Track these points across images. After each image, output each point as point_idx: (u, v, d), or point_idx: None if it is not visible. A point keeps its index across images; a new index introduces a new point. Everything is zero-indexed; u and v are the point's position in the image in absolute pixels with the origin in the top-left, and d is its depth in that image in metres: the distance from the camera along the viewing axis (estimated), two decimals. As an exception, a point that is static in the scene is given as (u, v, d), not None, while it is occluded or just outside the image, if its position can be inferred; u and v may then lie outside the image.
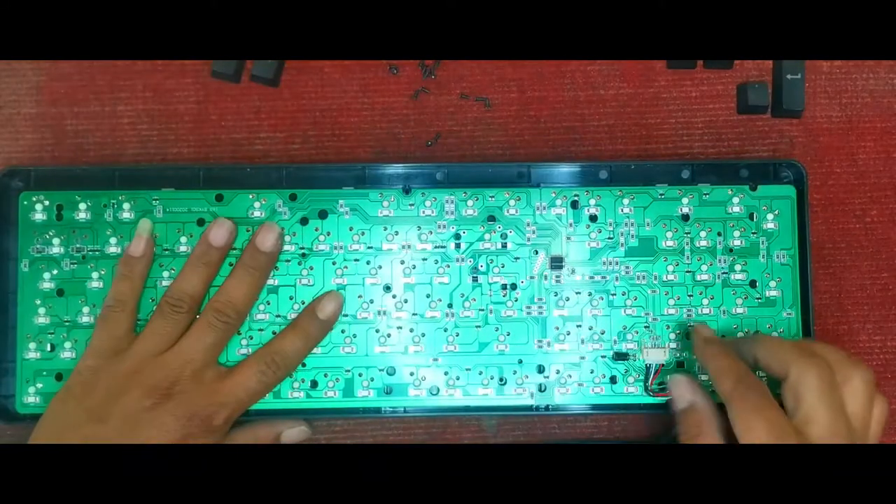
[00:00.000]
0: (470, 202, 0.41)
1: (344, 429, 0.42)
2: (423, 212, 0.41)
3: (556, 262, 0.41)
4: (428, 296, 0.41)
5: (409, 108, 0.43)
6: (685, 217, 0.41)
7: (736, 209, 0.41)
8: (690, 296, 0.41)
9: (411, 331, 0.41)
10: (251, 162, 0.43)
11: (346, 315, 0.41)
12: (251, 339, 0.40)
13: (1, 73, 0.43)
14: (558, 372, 0.41)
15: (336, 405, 0.41)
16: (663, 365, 0.41)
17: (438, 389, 0.41)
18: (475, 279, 0.41)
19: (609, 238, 0.41)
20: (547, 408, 0.41)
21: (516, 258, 0.41)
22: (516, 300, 0.41)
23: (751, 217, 0.41)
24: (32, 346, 0.40)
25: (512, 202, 0.41)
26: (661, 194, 0.41)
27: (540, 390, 0.41)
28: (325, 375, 0.41)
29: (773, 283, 0.41)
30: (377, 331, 0.41)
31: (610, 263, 0.41)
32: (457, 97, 0.44)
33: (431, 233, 0.41)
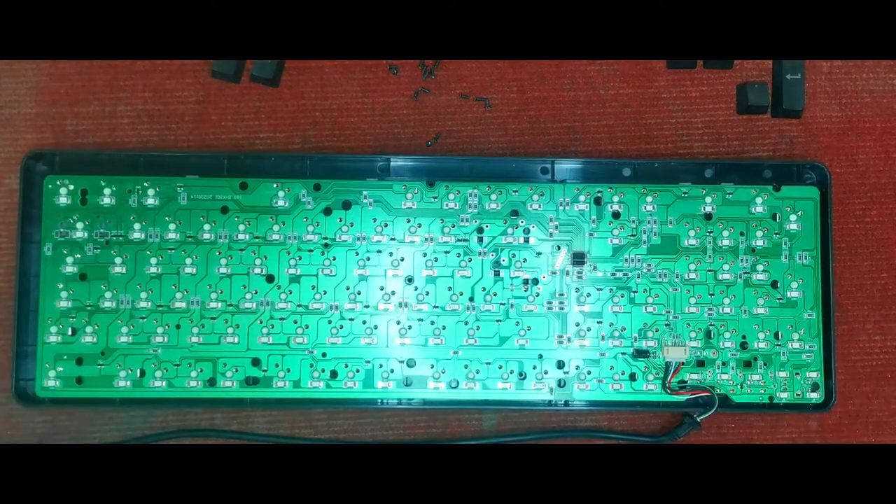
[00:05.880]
0: (493, 196, 0.41)
1: (344, 428, 0.42)
2: (447, 205, 0.41)
3: (578, 258, 0.41)
4: (450, 289, 0.41)
5: (409, 108, 0.43)
6: (708, 216, 0.41)
7: (759, 209, 0.41)
8: (712, 295, 0.41)
9: (432, 323, 0.41)
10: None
11: (367, 306, 0.41)
12: (272, 327, 0.41)
13: (1, 73, 0.43)
14: (578, 368, 0.41)
15: (355, 395, 0.41)
16: (683, 363, 0.41)
17: (458, 383, 0.41)
18: (497, 273, 0.41)
19: (631, 235, 0.41)
20: (566, 403, 0.41)
21: (538, 253, 0.41)
22: (537, 295, 0.41)
23: (774, 217, 0.41)
24: (54, 329, 0.40)
25: (535, 197, 0.41)
26: (685, 193, 0.41)
27: (559, 386, 0.41)
28: (346, 366, 0.41)
29: (794, 284, 0.41)
30: (398, 322, 0.41)
31: (632, 261, 0.41)
32: (457, 97, 0.44)
33: (454, 226, 0.41)
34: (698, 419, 0.41)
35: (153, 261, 0.41)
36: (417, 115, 0.43)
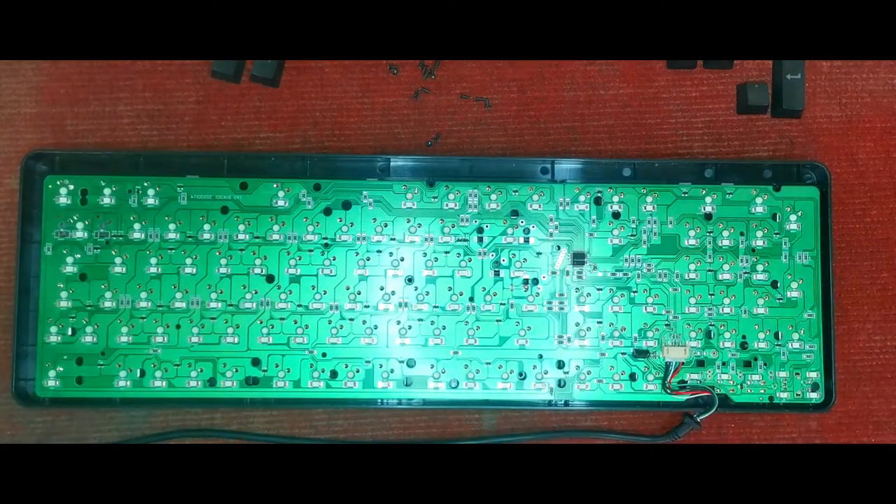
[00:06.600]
0: (493, 196, 0.41)
1: (344, 428, 0.42)
2: (447, 205, 0.41)
3: (579, 258, 0.41)
4: (449, 289, 0.41)
5: (409, 108, 0.43)
6: (708, 216, 0.41)
7: (759, 209, 0.41)
8: (712, 295, 0.41)
9: (432, 323, 0.41)
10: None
11: (367, 306, 0.41)
12: (272, 327, 0.41)
13: (1, 73, 0.43)
14: (578, 368, 0.41)
15: (355, 395, 0.41)
16: (683, 363, 0.41)
17: (458, 383, 0.41)
18: (497, 273, 0.41)
19: (632, 235, 0.41)
20: (566, 403, 0.41)
21: (538, 253, 0.41)
22: (538, 295, 0.41)
23: (773, 217, 0.41)
24: (54, 329, 0.40)
25: (535, 197, 0.41)
26: (685, 193, 0.41)
27: (559, 386, 0.41)
28: (346, 366, 0.41)
29: (794, 284, 0.41)
30: (398, 322, 0.41)
31: (632, 261, 0.41)
32: (457, 97, 0.44)
33: (454, 226, 0.41)
34: (698, 419, 0.41)
35: (153, 261, 0.41)
36: (417, 115, 0.43)
